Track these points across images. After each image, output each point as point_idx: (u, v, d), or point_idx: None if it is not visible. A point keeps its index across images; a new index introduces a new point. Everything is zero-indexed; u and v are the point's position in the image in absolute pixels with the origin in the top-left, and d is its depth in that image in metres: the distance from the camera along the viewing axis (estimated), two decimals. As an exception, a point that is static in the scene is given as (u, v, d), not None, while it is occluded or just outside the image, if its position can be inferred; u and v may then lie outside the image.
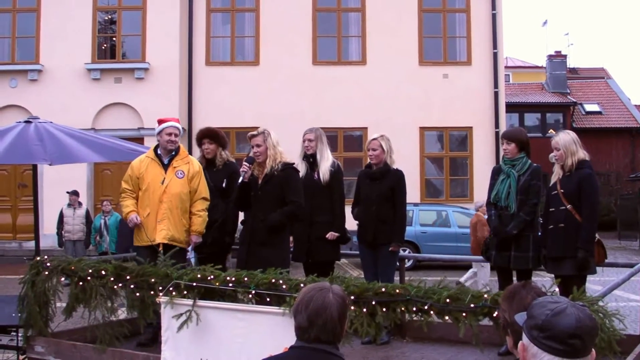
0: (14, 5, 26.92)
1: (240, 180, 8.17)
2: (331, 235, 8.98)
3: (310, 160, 9.12)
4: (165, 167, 8.56)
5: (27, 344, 7.92)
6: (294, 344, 3.49)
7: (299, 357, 3.43)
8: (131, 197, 8.59)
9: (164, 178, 8.48)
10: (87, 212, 20.03)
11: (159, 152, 8.66)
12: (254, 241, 8.08)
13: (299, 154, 9.26)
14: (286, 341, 3.51)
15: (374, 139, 9.08)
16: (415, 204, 24.06)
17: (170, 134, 8.57)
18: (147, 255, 7.80)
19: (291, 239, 9.02)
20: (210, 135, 9.30)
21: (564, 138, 8.03)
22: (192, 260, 8.10)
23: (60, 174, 21.26)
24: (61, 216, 19.65)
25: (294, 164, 8.46)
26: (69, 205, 19.70)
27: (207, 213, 8.73)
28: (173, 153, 8.64)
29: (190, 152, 23.90)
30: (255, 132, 8.27)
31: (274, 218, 8.04)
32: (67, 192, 19.72)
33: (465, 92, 26.81)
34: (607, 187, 40.30)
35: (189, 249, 8.33)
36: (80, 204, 19.94)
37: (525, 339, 2.74)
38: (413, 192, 24.20)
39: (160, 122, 8.75)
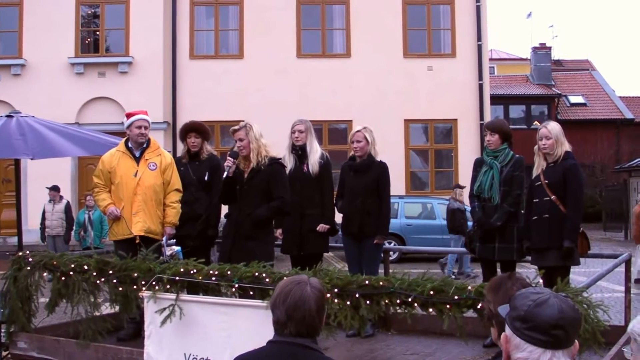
0: (-4, -1, 26.77)
1: (225, 175, 8.14)
2: (321, 227, 8.96)
3: (299, 152, 9.08)
4: (137, 159, 8.53)
5: (10, 340, 7.88)
6: (272, 339, 3.46)
7: (277, 352, 3.41)
8: (105, 191, 8.57)
9: (137, 171, 8.45)
10: (67, 207, 19.78)
11: (129, 145, 8.63)
12: (239, 235, 8.06)
13: (285, 146, 9.21)
14: (270, 334, 3.49)
15: (357, 131, 9.04)
16: (401, 197, 24.05)
17: (140, 127, 8.54)
18: (125, 249, 7.76)
19: (279, 231, 9.01)
20: (197, 129, 9.29)
21: (556, 128, 8.05)
22: (166, 252, 8.04)
23: (45, 169, 21.18)
24: (43, 211, 19.55)
25: (280, 158, 8.44)
26: (50, 200, 19.56)
27: (180, 205, 8.71)
28: (144, 145, 8.62)
29: (174, 146, 24.22)
30: (237, 127, 8.25)
31: (260, 213, 8.02)
32: (47, 188, 19.59)
33: (449, 84, 26.82)
34: (592, 178, 40.42)
35: (163, 240, 8.29)
36: (61, 198, 19.76)
37: (508, 330, 2.73)
38: (398, 184, 24.22)
39: (128, 115, 8.73)
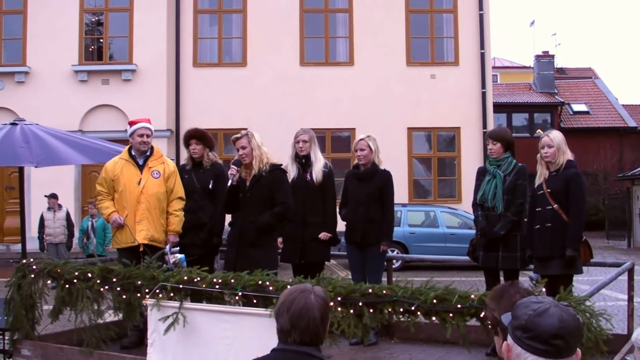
0: (0, 7, 26.79)
1: (229, 184, 8.15)
2: (324, 235, 8.96)
3: (303, 161, 9.10)
4: (141, 167, 8.54)
5: (14, 348, 7.89)
6: (275, 347, 3.46)
7: None
8: (108, 199, 8.56)
9: (140, 179, 8.45)
10: (68, 214, 19.76)
11: (133, 153, 8.64)
12: (243, 242, 8.06)
13: (287, 154, 9.21)
14: (273, 343, 3.48)
15: (361, 139, 9.05)
16: (404, 205, 24.03)
17: (142, 135, 8.54)
18: (129, 257, 7.76)
19: (279, 240, 9.01)
20: (197, 136, 9.25)
21: (558, 136, 8.06)
22: (170, 260, 8.02)
23: (48, 176, 21.21)
24: (42, 220, 19.43)
25: (281, 165, 8.44)
26: (49, 208, 19.47)
27: (183, 212, 8.71)
28: (147, 153, 8.62)
29: (177, 153, 24.25)
30: (238, 135, 8.26)
31: (264, 219, 8.03)
32: (46, 196, 19.52)
33: (452, 92, 26.83)
34: (595, 186, 40.39)
35: (167, 248, 8.27)
36: (60, 206, 19.69)
37: (509, 339, 2.74)
38: (401, 192, 24.17)
39: (131, 123, 8.73)
